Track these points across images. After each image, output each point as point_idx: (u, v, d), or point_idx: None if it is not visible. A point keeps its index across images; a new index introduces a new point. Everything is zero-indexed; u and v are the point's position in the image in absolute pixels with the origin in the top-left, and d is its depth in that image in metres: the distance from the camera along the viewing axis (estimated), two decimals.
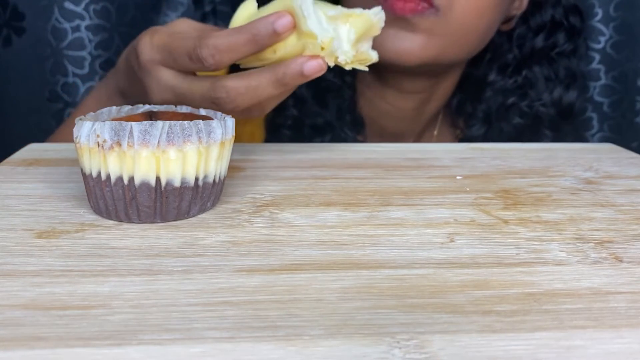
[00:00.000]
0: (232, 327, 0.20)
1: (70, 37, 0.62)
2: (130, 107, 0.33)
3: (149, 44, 0.40)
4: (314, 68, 0.36)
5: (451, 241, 0.28)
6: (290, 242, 0.27)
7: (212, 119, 0.30)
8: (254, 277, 0.24)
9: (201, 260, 0.25)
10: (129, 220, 0.29)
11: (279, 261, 0.25)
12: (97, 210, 0.30)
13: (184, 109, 0.33)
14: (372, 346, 0.19)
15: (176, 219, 0.29)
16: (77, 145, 0.29)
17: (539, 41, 0.59)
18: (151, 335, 0.20)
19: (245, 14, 0.40)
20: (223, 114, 0.32)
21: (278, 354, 0.19)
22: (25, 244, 0.26)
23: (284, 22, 0.36)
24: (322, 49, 0.36)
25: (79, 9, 0.62)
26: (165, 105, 0.34)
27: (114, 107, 0.33)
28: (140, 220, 0.29)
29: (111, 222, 0.29)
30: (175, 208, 0.29)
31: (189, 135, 0.28)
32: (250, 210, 0.31)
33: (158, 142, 0.27)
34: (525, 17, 0.59)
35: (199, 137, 0.28)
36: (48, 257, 0.25)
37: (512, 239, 0.28)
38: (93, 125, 0.28)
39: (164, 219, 0.29)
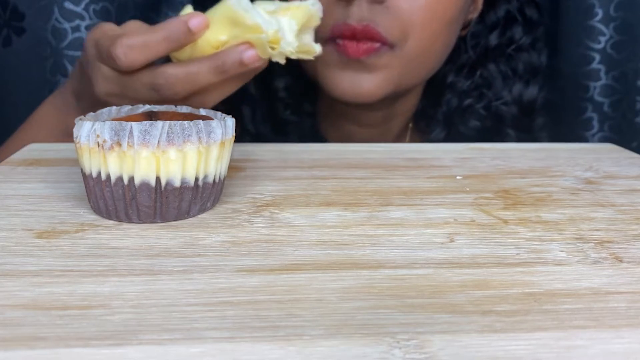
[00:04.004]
0: (232, 327, 0.20)
1: (70, 37, 0.62)
2: (130, 107, 0.33)
3: (91, 39, 0.41)
4: (253, 56, 0.37)
5: (451, 241, 0.28)
6: (291, 242, 0.27)
7: (212, 119, 0.30)
8: (254, 277, 0.24)
9: (201, 260, 0.25)
10: (129, 220, 0.29)
11: (279, 261, 0.25)
12: (97, 210, 0.30)
13: (184, 109, 0.33)
14: (372, 346, 0.19)
15: (176, 219, 0.29)
16: (77, 145, 0.29)
17: (493, 38, 0.58)
18: (151, 335, 0.20)
19: None
20: (223, 114, 0.32)
21: (278, 354, 0.19)
22: (25, 244, 0.26)
23: (197, 20, 0.38)
24: (272, 48, 0.38)
25: (79, 9, 0.62)
26: (165, 105, 0.34)
27: (114, 107, 0.33)
28: (140, 220, 0.29)
29: (111, 222, 0.29)
30: (175, 208, 0.29)
31: (189, 135, 0.28)
32: (250, 210, 0.31)
33: (158, 142, 0.27)
34: (481, 16, 0.58)
35: (199, 137, 0.28)
36: (48, 257, 0.25)
37: (512, 239, 0.28)
38: (93, 125, 0.28)
39: (164, 219, 0.29)
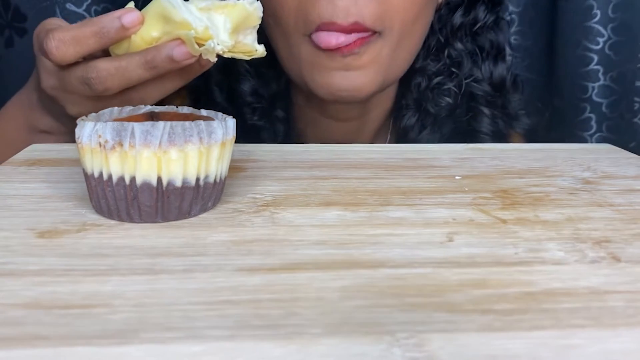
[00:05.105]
0: (233, 326, 0.20)
1: None
2: (131, 107, 0.33)
3: (35, 34, 0.41)
4: (183, 53, 0.37)
5: (450, 241, 0.28)
6: (291, 241, 0.27)
7: (213, 120, 0.30)
8: (254, 276, 0.24)
9: (202, 260, 0.25)
10: (131, 220, 0.29)
11: (279, 260, 0.25)
12: (99, 210, 0.30)
13: (185, 109, 0.33)
14: (372, 344, 0.20)
15: (177, 219, 0.30)
16: (79, 145, 0.29)
17: (457, 18, 0.58)
18: (153, 334, 0.20)
19: None
20: (224, 115, 0.32)
21: (279, 353, 0.19)
22: (27, 243, 0.26)
23: (131, 16, 0.37)
24: (200, 45, 0.37)
25: (80, 10, 0.62)
26: (166, 106, 0.34)
27: (116, 107, 0.33)
28: (142, 220, 0.29)
29: (113, 222, 0.29)
30: (177, 208, 0.29)
31: (190, 135, 0.28)
32: (251, 210, 0.31)
33: (159, 143, 0.28)
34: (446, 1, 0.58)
35: (200, 138, 0.29)
36: (50, 257, 0.25)
37: (510, 238, 0.29)
38: (95, 125, 0.28)
39: (166, 219, 0.29)
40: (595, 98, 0.70)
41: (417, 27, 0.51)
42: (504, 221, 0.31)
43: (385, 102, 0.58)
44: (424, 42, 0.56)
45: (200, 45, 0.37)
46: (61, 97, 0.42)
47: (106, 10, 0.63)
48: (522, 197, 0.35)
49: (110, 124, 0.28)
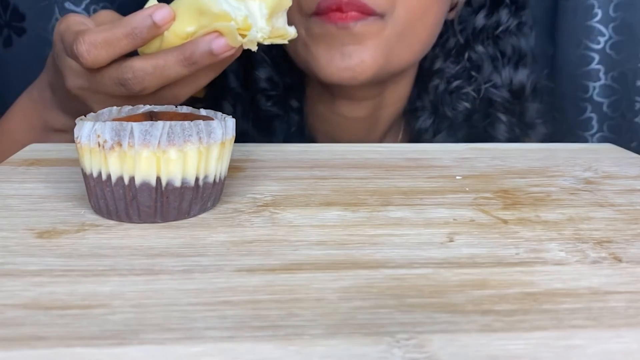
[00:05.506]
0: (232, 327, 0.20)
1: None
2: (130, 107, 0.33)
3: (57, 33, 0.40)
4: (223, 46, 0.36)
5: (451, 241, 0.28)
6: (291, 241, 0.27)
7: (213, 119, 0.30)
8: (254, 277, 0.24)
9: (202, 260, 0.25)
10: (130, 220, 0.29)
11: (279, 261, 0.25)
12: (98, 210, 0.30)
13: (184, 109, 0.33)
14: (372, 345, 0.19)
15: (177, 219, 0.29)
16: (78, 145, 0.29)
17: (480, 20, 0.57)
18: (152, 334, 0.20)
19: None
20: (223, 115, 0.32)
21: (278, 354, 0.19)
22: (26, 243, 0.26)
23: (162, 13, 0.36)
24: (243, 36, 0.36)
25: (80, 9, 0.62)
26: (165, 106, 0.34)
27: (115, 107, 0.33)
28: (141, 220, 0.29)
29: (112, 222, 0.29)
30: (176, 208, 0.29)
31: (190, 135, 0.28)
32: (250, 210, 0.31)
33: (159, 142, 0.28)
34: (467, 1, 0.57)
35: (200, 138, 0.28)
36: (49, 257, 0.25)
37: (511, 238, 0.28)
38: (94, 125, 0.28)
39: (165, 219, 0.29)
40: (596, 98, 0.70)
41: (427, 17, 0.50)
42: (505, 221, 0.31)
43: (398, 101, 0.57)
44: (444, 44, 0.55)
45: (242, 36, 0.36)
46: (89, 97, 0.40)
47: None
48: (523, 197, 0.35)
49: (109, 123, 0.28)
